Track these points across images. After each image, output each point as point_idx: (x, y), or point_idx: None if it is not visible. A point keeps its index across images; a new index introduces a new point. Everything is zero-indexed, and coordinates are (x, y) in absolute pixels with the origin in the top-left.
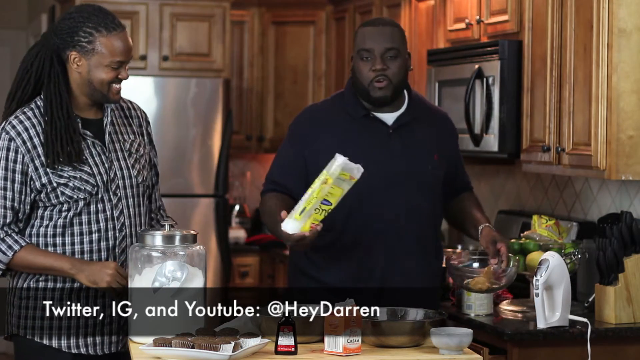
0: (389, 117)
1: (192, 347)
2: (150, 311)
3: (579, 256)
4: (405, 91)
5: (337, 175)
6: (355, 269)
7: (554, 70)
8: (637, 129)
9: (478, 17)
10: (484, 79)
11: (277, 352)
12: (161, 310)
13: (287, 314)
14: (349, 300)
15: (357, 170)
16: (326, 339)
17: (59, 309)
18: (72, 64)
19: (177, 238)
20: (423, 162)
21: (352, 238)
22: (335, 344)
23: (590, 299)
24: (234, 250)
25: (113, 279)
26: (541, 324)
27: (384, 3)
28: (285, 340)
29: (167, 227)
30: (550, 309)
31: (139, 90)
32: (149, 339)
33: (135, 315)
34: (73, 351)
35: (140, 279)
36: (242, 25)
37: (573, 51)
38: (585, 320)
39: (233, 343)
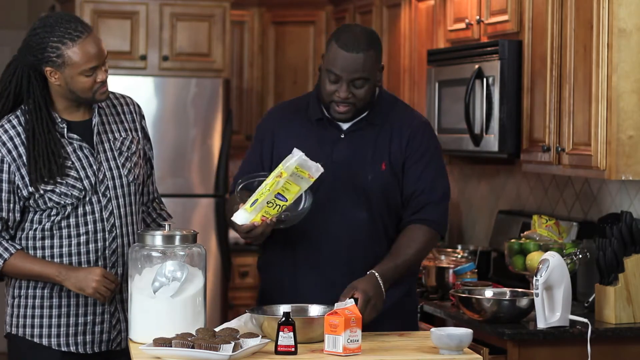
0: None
1: (192, 347)
2: (150, 311)
3: (580, 256)
4: (377, 90)
5: (292, 170)
6: (285, 279)
7: (554, 70)
8: (637, 129)
9: (478, 17)
10: (484, 79)
11: (277, 352)
12: (161, 310)
13: (287, 314)
14: (348, 300)
15: (316, 169)
16: (326, 339)
17: (48, 308)
18: (50, 78)
19: (177, 238)
20: (365, 171)
21: (294, 246)
22: (335, 344)
23: (590, 299)
24: (234, 250)
25: (99, 284)
26: (541, 324)
27: (384, 3)
28: (285, 340)
29: (167, 227)
30: (550, 309)
31: (139, 90)
32: (149, 339)
33: (135, 315)
34: (63, 349)
35: (140, 279)
36: (242, 25)
37: (573, 51)
38: (585, 320)
39: (233, 343)
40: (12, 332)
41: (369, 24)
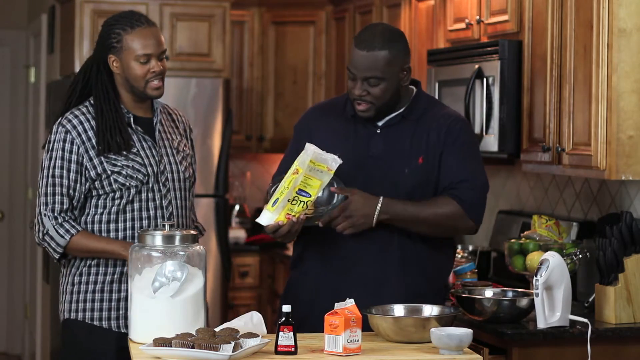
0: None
1: (192, 347)
2: (150, 311)
3: (580, 256)
4: (414, 90)
5: (307, 164)
6: (316, 274)
7: (554, 70)
8: (637, 129)
9: (478, 17)
10: (484, 79)
11: (277, 352)
12: (161, 310)
13: (287, 314)
14: (348, 300)
15: (333, 161)
16: (326, 339)
17: (109, 292)
18: (113, 67)
19: (177, 238)
20: (401, 165)
21: (328, 242)
22: (335, 344)
23: (590, 299)
24: (234, 250)
25: None
26: (541, 324)
27: (384, 3)
28: (285, 340)
29: (167, 227)
30: (550, 309)
31: None
32: (149, 339)
33: (135, 315)
34: (122, 330)
35: (140, 279)
36: (242, 25)
37: (573, 51)
38: (585, 320)
39: (233, 343)
40: (71, 317)
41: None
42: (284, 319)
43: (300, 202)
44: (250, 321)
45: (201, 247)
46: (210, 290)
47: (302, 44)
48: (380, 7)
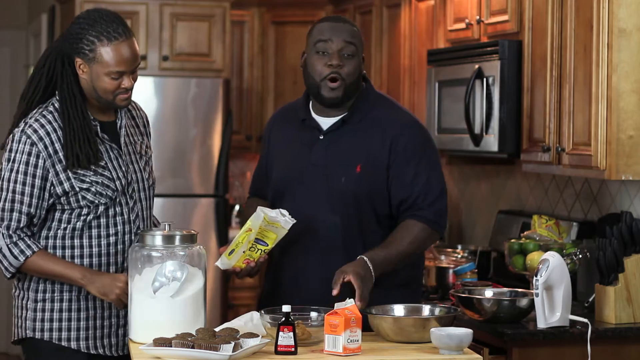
0: (326, 122)
1: (192, 347)
2: (150, 311)
3: (580, 256)
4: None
5: (259, 226)
6: (266, 284)
7: (554, 70)
8: (637, 129)
9: (478, 17)
10: (484, 79)
11: (277, 352)
12: (161, 310)
13: (286, 314)
14: (348, 300)
15: (284, 223)
16: (326, 339)
17: (76, 311)
18: (79, 70)
19: (177, 238)
20: (338, 173)
21: (280, 250)
22: (335, 344)
23: (590, 299)
24: None
25: (122, 291)
26: (541, 324)
27: (384, 3)
28: (285, 340)
29: (167, 227)
30: (550, 309)
31: (139, 90)
32: (149, 339)
33: (135, 315)
34: (92, 352)
35: (140, 279)
36: (242, 25)
37: (573, 51)
38: (585, 320)
39: (233, 343)
40: (36, 337)
41: (369, 24)
42: (284, 319)
43: (258, 249)
44: (250, 321)
45: (201, 247)
46: (210, 290)
47: (302, 44)
48: (380, 7)
